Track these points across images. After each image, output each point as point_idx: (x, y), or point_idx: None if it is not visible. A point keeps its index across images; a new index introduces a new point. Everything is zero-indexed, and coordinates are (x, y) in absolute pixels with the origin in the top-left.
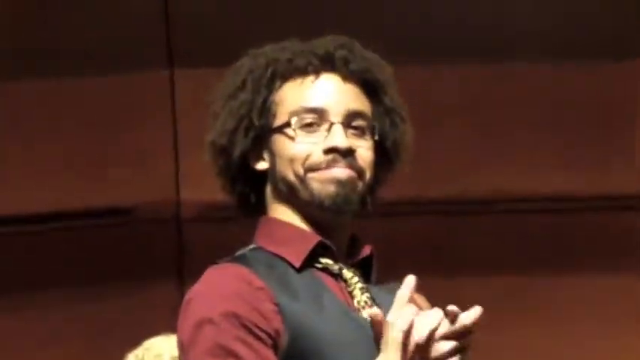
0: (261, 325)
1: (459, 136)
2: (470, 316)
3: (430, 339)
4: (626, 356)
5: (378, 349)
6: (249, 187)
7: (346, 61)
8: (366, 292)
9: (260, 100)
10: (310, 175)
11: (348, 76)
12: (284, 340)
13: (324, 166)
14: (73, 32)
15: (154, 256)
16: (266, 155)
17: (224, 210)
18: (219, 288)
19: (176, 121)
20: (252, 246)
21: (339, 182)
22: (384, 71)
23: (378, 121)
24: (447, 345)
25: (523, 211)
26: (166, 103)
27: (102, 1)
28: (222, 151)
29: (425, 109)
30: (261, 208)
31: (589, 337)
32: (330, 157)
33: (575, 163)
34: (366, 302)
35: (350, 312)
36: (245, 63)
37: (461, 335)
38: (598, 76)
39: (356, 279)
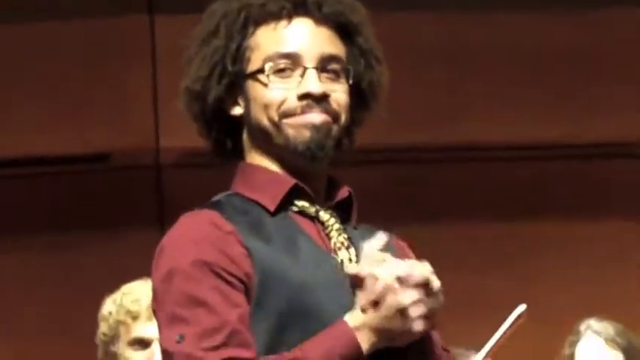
0: (230, 270)
1: (436, 84)
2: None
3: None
4: (608, 301)
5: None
6: (225, 133)
7: (319, 5)
8: (343, 233)
9: (233, 46)
10: (285, 120)
11: (321, 19)
12: (254, 284)
13: (298, 111)
14: None
15: (133, 202)
16: (241, 101)
17: (204, 156)
18: (189, 235)
19: (156, 67)
20: (228, 192)
21: (313, 127)
22: (358, 13)
23: (353, 63)
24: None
25: (501, 160)
26: (146, 49)
27: None
28: (197, 97)
29: (403, 55)
30: (238, 154)
31: (570, 283)
32: (304, 102)
33: (554, 111)
34: (342, 243)
35: (325, 254)
36: (218, 8)
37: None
38: (579, 25)
39: (333, 220)
